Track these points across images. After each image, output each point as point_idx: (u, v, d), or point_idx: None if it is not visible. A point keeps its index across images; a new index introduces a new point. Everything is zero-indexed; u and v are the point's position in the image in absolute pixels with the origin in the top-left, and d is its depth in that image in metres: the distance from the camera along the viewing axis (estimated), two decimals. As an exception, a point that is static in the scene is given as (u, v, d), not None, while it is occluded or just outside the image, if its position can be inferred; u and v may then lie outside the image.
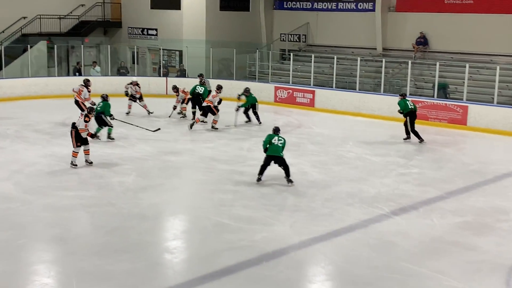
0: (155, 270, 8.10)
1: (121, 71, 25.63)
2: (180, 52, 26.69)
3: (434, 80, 20.79)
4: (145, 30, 27.48)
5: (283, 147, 12.17)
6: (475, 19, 22.26)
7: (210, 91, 18.81)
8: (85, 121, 12.90)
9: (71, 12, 26.70)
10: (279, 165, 12.13)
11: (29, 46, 23.98)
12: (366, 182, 12.57)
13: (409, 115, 16.62)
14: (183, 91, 19.01)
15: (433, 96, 20.53)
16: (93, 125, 14.22)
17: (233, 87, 22.75)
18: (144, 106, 19.77)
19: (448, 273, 8.10)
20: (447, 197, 11.68)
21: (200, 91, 18.68)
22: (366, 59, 23.63)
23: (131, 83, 19.62)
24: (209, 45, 25.60)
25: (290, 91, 23.18)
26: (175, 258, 8.67)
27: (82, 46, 25.29)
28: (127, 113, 19.31)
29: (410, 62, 21.40)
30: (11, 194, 11.22)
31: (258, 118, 18.95)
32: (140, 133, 16.45)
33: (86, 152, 13.19)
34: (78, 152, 13.00)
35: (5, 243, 8.94)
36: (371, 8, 25.03)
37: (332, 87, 22.87)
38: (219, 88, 18.06)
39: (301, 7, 27.41)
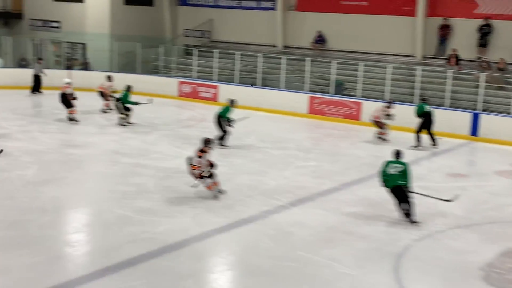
0: (55, 264, 8.08)
1: (22, 64, 24.94)
2: (84, 44, 26.23)
3: (331, 77, 21.64)
4: (48, 22, 26.74)
5: (402, 175, 10.13)
6: (369, 20, 23.31)
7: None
8: None
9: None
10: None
11: None
12: (266, 174, 12.99)
13: (424, 117, 16.45)
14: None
15: (329, 93, 21.37)
16: None
17: (139, 80, 22.71)
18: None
19: (341, 260, 8.57)
20: (342, 189, 12.30)
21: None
22: (267, 56, 24.21)
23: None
24: (113, 39, 25.34)
25: (194, 85, 23.38)
26: (76, 251, 8.68)
27: None
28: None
29: (308, 60, 22.13)
30: None
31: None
32: (41, 127, 16.17)
33: None
34: None
35: None
36: (272, 6, 25.64)
37: (233, 82, 23.30)
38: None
39: (205, 3, 27.64)
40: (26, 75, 22.98)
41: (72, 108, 17.55)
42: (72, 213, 10.41)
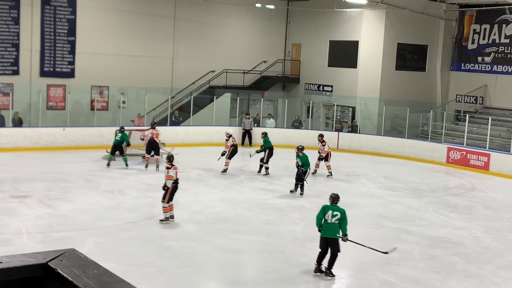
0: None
1: (295, 124, 26.63)
2: (353, 108, 27.11)
3: None
4: (321, 86, 28.37)
5: (340, 223, 9.61)
6: None
7: None
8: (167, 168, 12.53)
9: (254, 68, 28.52)
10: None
11: (215, 97, 25.98)
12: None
13: None
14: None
15: None
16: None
17: (405, 145, 22.67)
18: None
19: None
20: None
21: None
22: (549, 125, 22.42)
23: None
24: (382, 103, 25.73)
25: (464, 152, 22.49)
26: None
27: (262, 99, 26.82)
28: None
29: None
30: (190, 233, 12.06)
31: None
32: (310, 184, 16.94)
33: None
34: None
35: (182, 279, 9.62)
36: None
37: (509, 151, 21.89)
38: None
39: (480, 69, 26.73)
40: (299, 135, 24.51)
41: (226, 159, 18.37)
42: (337, 272, 10.56)
